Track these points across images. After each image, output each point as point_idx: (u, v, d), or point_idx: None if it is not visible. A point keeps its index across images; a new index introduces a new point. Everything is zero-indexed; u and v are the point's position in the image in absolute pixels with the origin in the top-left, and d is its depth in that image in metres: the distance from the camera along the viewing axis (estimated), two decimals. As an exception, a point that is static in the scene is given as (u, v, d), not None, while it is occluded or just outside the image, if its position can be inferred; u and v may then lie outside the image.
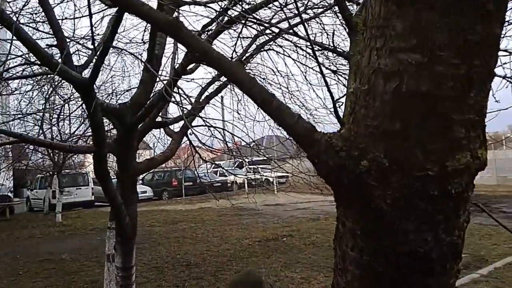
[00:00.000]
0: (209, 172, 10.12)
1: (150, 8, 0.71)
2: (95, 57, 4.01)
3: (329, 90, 1.46)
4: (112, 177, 4.70)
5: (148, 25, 5.07)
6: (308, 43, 5.07)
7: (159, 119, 5.74)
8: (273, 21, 4.70)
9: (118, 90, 7.02)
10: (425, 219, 0.64)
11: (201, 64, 5.96)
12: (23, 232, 12.90)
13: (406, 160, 0.62)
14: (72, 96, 7.23)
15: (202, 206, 16.86)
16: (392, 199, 0.63)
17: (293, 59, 5.33)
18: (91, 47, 4.78)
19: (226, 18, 4.62)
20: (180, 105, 4.59)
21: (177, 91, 5.08)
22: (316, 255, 8.33)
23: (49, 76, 5.73)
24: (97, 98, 3.34)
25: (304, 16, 4.07)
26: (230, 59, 0.70)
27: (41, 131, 7.50)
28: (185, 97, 5.48)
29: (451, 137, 0.61)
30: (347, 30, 1.68)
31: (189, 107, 5.49)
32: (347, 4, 1.69)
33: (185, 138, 6.10)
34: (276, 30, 4.57)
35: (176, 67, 4.88)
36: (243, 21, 4.19)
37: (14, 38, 2.39)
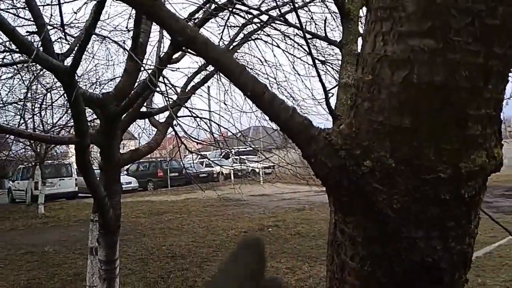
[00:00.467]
0: (195, 163, 10.00)
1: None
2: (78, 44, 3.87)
3: (321, 81, 1.39)
4: (95, 168, 4.59)
5: (133, 12, 4.93)
6: (297, 32, 4.98)
7: (143, 109, 5.63)
8: (262, 9, 4.59)
9: (102, 79, 6.86)
10: (434, 225, 0.57)
11: (187, 53, 5.84)
12: (5, 224, 12.65)
13: (415, 161, 0.55)
14: (54, 85, 7.04)
15: (188, 197, 16.77)
16: (398, 204, 0.56)
17: (281, 49, 5.24)
18: (75, 34, 4.62)
19: (213, 6, 4.50)
20: (166, 95, 4.48)
21: (162, 81, 4.96)
22: (301, 245, 8.37)
23: (30, 64, 5.54)
24: (79, 87, 3.22)
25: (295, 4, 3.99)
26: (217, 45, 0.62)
27: (22, 121, 7.30)
28: (171, 87, 5.36)
29: (466, 135, 0.54)
30: (339, 18, 1.61)
31: (174, 97, 5.38)
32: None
33: (170, 129, 6.01)
34: (265, 19, 4.47)
35: (161, 56, 4.75)
36: (231, 8, 4.08)
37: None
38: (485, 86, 0.53)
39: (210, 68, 5.92)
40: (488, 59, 0.52)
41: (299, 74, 5.39)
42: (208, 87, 7.19)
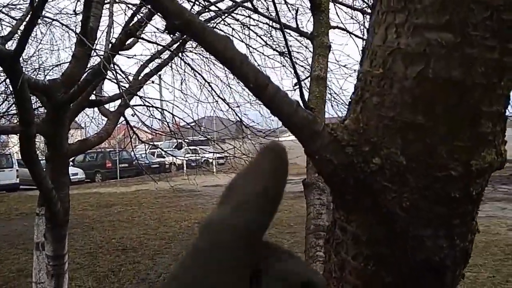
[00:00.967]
0: (146, 153, 9.74)
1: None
2: (21, 27, 3.59)
3: (295, 71, 1.37)
4: (40, 159, 4.32)
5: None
6: (257, 23, 4.93)
7: (93, 97, 5.38)
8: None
9: (46, 65, 6.46)
10: (442, 224, 0.56)
11: (139, 40, 5.62)
12: None
13: (428, 158, 0.53)
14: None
15: (138, 188, 16.35)
16: (408, 202, 0.55)
17: (240, 40, 5.17)
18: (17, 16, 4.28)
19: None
20: (117, 82, 4.29)
21: (113, 68, 4.75)
22: (256, 235, 8.44)
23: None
24: (24, 73, 2.99)
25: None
26: (216, 31, 0.57)
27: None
28: (123, 75, 5.15)
29: (479, 132, 0.53)
30: (310, 9, 1.59)
31: (126, 85, 5.17)
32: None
33: (121, 118, 5.79)
34: (223, 7, 4.37)
35: (113, 41, 4.54)
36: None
37: None
38: (499, 83, 0.52)
39: (164, 56, 5.76)
40: (503, 55, 0.51)
41: (258, 65, 5.35)
42: (160, 75, 6.98)
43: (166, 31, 0.48)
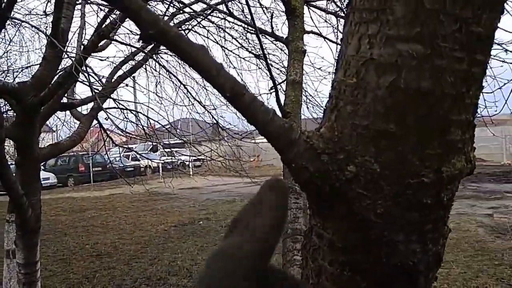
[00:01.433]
0: (120, 156, 9.58)
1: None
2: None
3: (272, 78, 1.38)
4: (10, 164, 4.20)
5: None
6: (236, 25, 4.93)
7: (65, 100, 5.26)
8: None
9: (15, 67, 6.28)
10: (414, 229, 0.58)
11: (112, 42, 5.53)
12: None
13: (400, 166, 0.55)
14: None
15: (112, 192, 16.05)
16: (382, 209, 0.56)
17: (215, 41, 5.15)
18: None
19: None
20: (92, 85, 4.20)
21: (86, 70, 4.66)
22: (233, 237, 8.41)
23: None
24: (-9, 76, 2.90)
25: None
26: (189, 39, 0.57)
27: None
28: (95, 77, 5.05)
29: (448, 140, 0.55)
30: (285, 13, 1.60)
31: (99, 88, 5.08)
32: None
33: (94, 121, 5.69)
34: (198, 9, 4.35)
35: (85, 43, 4.45)
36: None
37: None
38: (467, 92, 0.54)
39: (138, 57, 5.68)
40: (471, 65, 0.53)
41: (234, 68, 5.34)
42: (134, 77, 6.90)
43: (141, 40, 0.48)
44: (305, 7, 1.74)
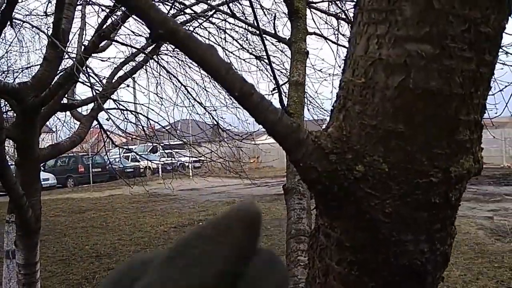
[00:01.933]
0: (120, 157, 9.58)
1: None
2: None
3: (275, 78, 1.38)
4: (10, 164, 4.20)
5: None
6: (232, 27, 4.93)
7: (65, 100, 5.26)
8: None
9: (15, 67, 6.29)
10: (423, 229, 0.58)
11: (113, 42, 5.53)
12: None
13: (409, 165, 0.55)
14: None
15: (112, 193, 16.03)
16: (390, 209, 0.56)
17: (216, 43, 5.15)
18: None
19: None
20: (91, 86, 4.21)
21: (86, 71, 4.66)
22: (233, 239, 8.41)
23: None
24: (-8, 76, 2.90)
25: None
26: (200, 39, 0.57)
27: None
28: (96, 78, 5.06)
29: (457, 140, 0.55)
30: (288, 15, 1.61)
31: (100, 88, 5.09)
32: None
33: (94, 122, 5.69)
34: (198, 11, 4.35)
35: (86, 44, 4.45)
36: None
37: None
38: (476, 93, 0.54)
39: (139, 58, 5.68)
40: (479, 66, 0.53)
41: (235, 69, 5.34)
42: (134, 78, 6.90)
43: (151, 40, 0.48)
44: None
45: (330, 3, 3.49)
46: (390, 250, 0.58)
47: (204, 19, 4.26)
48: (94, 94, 4.20)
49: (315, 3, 2.90)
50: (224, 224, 0.26)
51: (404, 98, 0.53)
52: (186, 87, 5.69)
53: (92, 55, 4.67)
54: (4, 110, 4.90)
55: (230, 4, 3.05)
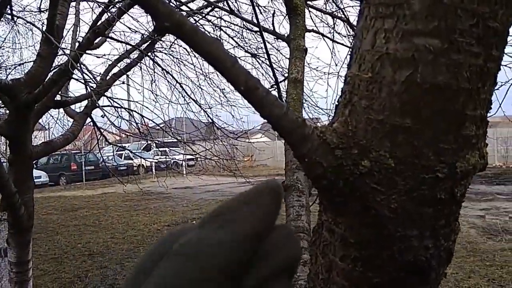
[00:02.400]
0: (114, 155, 9.52)
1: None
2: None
3: (274, 75, 1.38)
4: (2, 161, 4.17)
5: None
6: (232, 23, 4.92)
7: (58, 97, 5.22)
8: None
9: (7, 63, 6.23)
10: (428, 224, 0.58)
11: (107, 39, 5.50)
12: None
13: (415, 160, 0.55)
14: None
15: (105, 191, 15.96)
16: (396, 204, 0.56)
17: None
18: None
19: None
20: (86, 83, 4.18)
21: (80, 68, 4.63)
22: (226, 236, 8.42)
23: None
24: (-15, 71, 2.87)
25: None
26: (206, 32, 0.56)
27: None
28: (90, 75, 5.03)
29: (463, 135, 0.55)
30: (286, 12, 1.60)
31: (94, 85, 5.05)
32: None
33: (88, 119, 5.66)
34: (194, 8, 4.34)
35: (80, 40, 4.42)
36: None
37: None
38: (483, 88, 0.54)
39: (133, 55, 5.65)
40: (487, 61, 0.53)
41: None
42: (128, 75, 6.87)
43: (156, 32, 0.47)
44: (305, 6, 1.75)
45: (327, 1, 3.49)
46: (395, 246, 0.58)
47: (201, 17, 4.24)
48: (89, 91, 4.17)
49: (313, 1, 2.90)
50: (253, 193, 0.31)
51: (412, 93, 0.53)
52: (181, 84, 5.67)
53: (87, 51, 4.64)
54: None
55: (226, 2, 3.05)
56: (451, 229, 0.61)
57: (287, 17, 1.79)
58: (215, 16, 4.68)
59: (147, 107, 6.51)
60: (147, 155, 12.99)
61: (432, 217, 0.57)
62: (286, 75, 2.56)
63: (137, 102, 5.75)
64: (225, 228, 0.28)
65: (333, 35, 4.12)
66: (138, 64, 5.59)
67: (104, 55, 5.03)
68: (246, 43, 5.27)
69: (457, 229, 0.63)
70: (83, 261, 7.41)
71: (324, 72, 4.83)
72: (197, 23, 4.73)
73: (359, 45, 0.59)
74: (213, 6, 3.06)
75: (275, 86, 1.40)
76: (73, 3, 4.41)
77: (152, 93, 5.78)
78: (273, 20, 1.72)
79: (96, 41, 4.85)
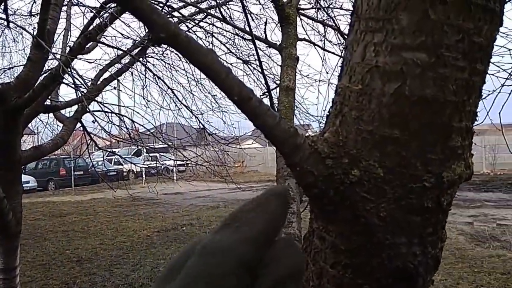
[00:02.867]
0: (104, 160, 9.46)
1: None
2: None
3: (266, 83, 1.39)
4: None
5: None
6: (224, 30, 4.94)
7: (48, 102, 5.19)
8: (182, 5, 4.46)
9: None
10: (415, 232, 0.59)
11: (98, 44, 5.48)
12: None
13: (403, 170, 0.56)
14: None
15: (94, 197, 15.81)
16: (385, 212, 0.57)
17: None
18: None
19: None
20: (76, 88, 4.16)
21: (71, 72, 4.61)
22: (216, 243, 8.38)
23: None
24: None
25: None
26: (200, 43, 0.58)
27: None
28: (81, 80, 5.00)
29: (450, 146, 0.57)
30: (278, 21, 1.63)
31: (84, 90, 5.03)
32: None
33: (78, 124, 5.62)
34: (186, 14, 4.35)
35: (71, 45, 4.41)
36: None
37: None
38: (468, 100, 0.56)
39: (124, 60, 5.63)
40: (472, 75, 0.55)
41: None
42: (118, 80, 6.85)
43: (151, 43, 0.48)
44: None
45: (318, 10, 3.53)
46: (384, 253, 0.59)
47: (194, 24, 4.25)
48: (79, 96, 4.15)
49: (304, 9, 2.93)
50: (263, 198, 0.35)
51: (400, 105, 0.55)
52: (173, 90, 5.67)
53: (78, 56, 4.62)
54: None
55: (216, 9, 3.07)
56: (438, 237, 0.63)
57: (279, 25, 1.81)
58: (207, 22, 4.70)
59: (138, 112, 6.50)
60: (137, 161, 12.93)
61: (420, 225, 0.59)
62: (278, 82, 2.58)
63: (127, 107, 5.72)
64: (238, 230, 0.33)
65: (324, 43, 4.17)
66: (130, 69, 5.58)
67: (95, 60, 5.01)
68: (238, 49, 5.30)
69: (444, 237, 0.64)
70: (71, 268, 7.31)
71: (315, 80, 4.87)
72: (190, 30, 4.75)
73: (349, 57, 0.60)
74: (205, 14, 3.08)
75: (267, 94, 1.42)
76: (65, 8, 4.40)
77: (144, 98, 5.77)
78: (265, 29, 1.74)
79: (87, 46, 4.83)
